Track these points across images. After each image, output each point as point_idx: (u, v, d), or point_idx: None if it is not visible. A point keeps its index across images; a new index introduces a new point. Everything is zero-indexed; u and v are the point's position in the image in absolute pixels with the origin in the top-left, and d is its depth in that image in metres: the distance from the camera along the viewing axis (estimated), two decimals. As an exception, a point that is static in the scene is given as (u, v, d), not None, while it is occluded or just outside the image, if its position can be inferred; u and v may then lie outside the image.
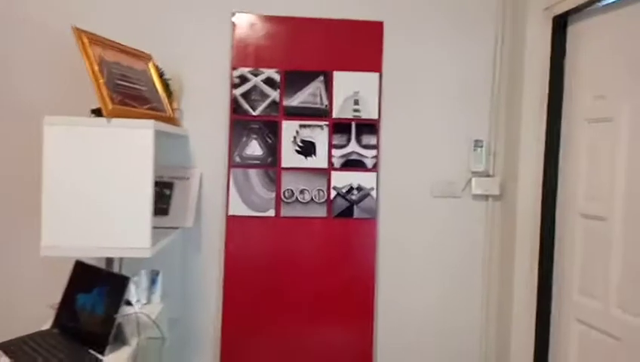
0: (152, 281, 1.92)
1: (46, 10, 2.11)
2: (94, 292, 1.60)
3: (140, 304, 1.83)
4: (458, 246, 2.29)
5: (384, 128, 2.25)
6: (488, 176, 2.28)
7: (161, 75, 2.08)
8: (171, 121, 1.98)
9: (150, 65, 1.98)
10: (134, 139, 1.60)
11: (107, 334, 1.48)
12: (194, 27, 2.19)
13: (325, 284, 2.20)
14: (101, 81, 1.58)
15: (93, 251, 1.60)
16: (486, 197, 2.28)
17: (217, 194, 2.20)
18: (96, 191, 1.59)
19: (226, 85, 2.19)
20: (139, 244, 1.61)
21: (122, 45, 1.80)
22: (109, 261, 1.83)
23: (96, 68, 1.59)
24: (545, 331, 2.05)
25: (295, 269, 2.19)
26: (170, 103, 2.08)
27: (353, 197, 2.21)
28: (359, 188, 2.21)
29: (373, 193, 2.21)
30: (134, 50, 1.88)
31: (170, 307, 2.15)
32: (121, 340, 1.54)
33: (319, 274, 2.19)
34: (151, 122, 1.61)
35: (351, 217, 2.20)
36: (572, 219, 1.92)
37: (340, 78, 2.21)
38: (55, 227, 1.58)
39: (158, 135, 2.12)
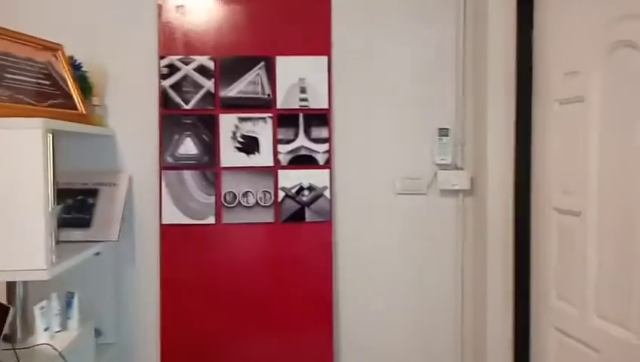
0: (68, 304, 1.65)
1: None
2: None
3: (51, 332, 1.56)
4: (427, 247, 2.04)
5: (336, 119, 2.00)
6: (457, 168, 2.03)
7: (77, 67, 1.80)
8: (84, 119, 1.71)
9: (59, 56, 1.70)
10: (21, 142, 1.33)
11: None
12: (115, 12, 1.91)
13: (276, 297, 1.94)
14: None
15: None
16: (456, 192, 2.04)
17: (149, 200, 1.93)
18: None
19: (154, 76, 1.92)
20: (33, 265, 1.35)
21: (19, 34, 1.52)
22: (10, 285, 1.56)
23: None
24: (524, 339, 1.82)
25: (241, 282, 1.93)
26: (87, 99, 1.80)
27: (304, 199, 1.95)
28: (311, 188, 1.95)
29: (327, 193, 1.96)
30: (38, 40, 1.60)
31: (104, 331, 1.89)
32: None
33: (269, 287, 1.94)
34: (39, 120, 1.34)
35: (302, 221, 1.95)
36: (547, 214, 1.68)
37: (283, 63, 1.95)
38: None
39: (72, 136, 1.85)
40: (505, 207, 1.83)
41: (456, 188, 2.00)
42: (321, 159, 1.96)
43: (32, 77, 1.53)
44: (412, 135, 2.02)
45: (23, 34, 1.54)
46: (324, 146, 1.96)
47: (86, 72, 1.85)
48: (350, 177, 2.01)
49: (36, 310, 1.52)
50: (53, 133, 1.69)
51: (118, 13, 1.91)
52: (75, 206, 1.83)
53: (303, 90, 1.95)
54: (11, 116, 1.34)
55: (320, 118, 1.96)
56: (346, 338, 2.02)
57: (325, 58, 1.96)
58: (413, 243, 2.04)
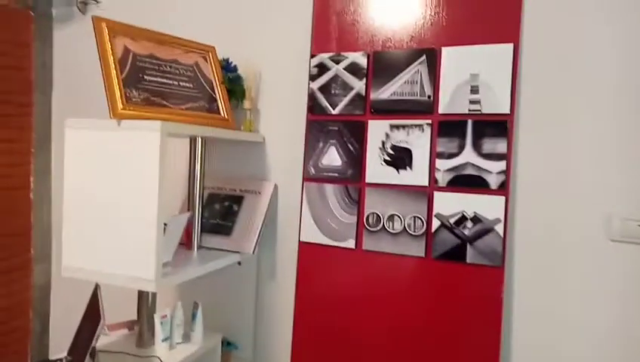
0: (193, 316, 1.60)
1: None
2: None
3: (171, 343, 1.52)
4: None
5: (520, 128, 1.46)
6: None
7: (231, 69, 1.75)
8: (226, 123, 1.63)
9: (209, 58, 1.67)
10: (139, 144, 1.30)
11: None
12: (269, 9, 1.80)
13: (413, 352, 1.53)
14: (114, 77, 1.32)
15: (104, 277, 1.36)
16: None
17: (292, 213, 1.76)
18: (106, 206, 1.34)
19: (305, 78, 1.74)
20: (143, 274, 1.30)
21: (166, 36, 1.53)
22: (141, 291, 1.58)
23: (111, 61, 1.34)
24: None
25: (376, 322, 1.59)
26: (239, 103, 1.74)
27: (466, 232, 1.48)
28: (476, 219, 1.47)
29: (500, 228, 1.44)
30: (186, 41, 1.60)
31: (241, 345, 1.80)
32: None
33: (407, 337, 1.54)
34: (158, 123, 1.28)
35: (462, 261, 1.48)
36: None
37: (450, 56, 1.52)
38: (73, 244, 1.39)
39: (224, 141, 1.81)
40: None
41: None
42: (493, 182, 1.45)
43: (173, 79, 1.51)
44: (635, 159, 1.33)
45: (169, 35, 1.54)
46: (500, 165, 1.45)
47: (240, 75, 1.77)
48: (537, 210, 1.44)
49: (157, 319, 1.49)
50: (203, 138, 1.69)
51: (272, 11, 1.79)
52: (221, 211, 1.78)
53: (474, 90, 1.48)
54: (138, 118, 1.32)
55: (496, 127, 1.46)
56: None
57: (510, 46, 1.44)
58: (633, 317, 1.34)
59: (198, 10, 1.90)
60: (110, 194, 1.33)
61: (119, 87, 1.32)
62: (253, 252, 1.67)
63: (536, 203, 1.45)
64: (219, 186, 1.83)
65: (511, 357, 1.47)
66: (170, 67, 1.52)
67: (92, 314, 1.38)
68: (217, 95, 1.65)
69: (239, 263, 1.72)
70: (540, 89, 1.43)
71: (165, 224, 1.34)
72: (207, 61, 1.66)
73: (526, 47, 1.44)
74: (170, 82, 1.50)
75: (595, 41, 1.38)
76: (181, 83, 1.53)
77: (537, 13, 1.43)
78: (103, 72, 1.33)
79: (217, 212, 1.77)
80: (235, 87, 1.75)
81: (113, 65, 1.33)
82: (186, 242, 1.67)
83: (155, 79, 1.45)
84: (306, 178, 1.71)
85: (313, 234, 1.69)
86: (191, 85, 1.57)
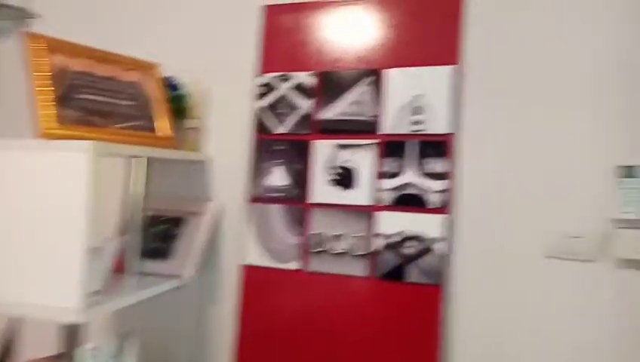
0: (122, 347, 1.50)
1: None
2: None
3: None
4: (588, 343, 1.35)
5: (462, 148, 1.49)
6: (651, 228, 1.31)
7: (174, 87, 1.71)
8: (168, 143, 1.58)
9: (151, 75, 1.62)
10: (68, 166, 1.23)
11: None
12: (215, 28, 1.79)
13: (364, 377, 1.49)
14: (44, 94, 1.25)
15: (26, 309, 1.25)
16: (647, 264, 1.32)
17: (234, 235, 1.71)
18: (30, 233, 1.25)
19: (251, 96, 1.72)
20: (68, 304, 1.21)
21: (108, 53, 1.48)
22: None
23: (40, 78, 1.27)
24: None
25: (321, 343, 1.54)
26: (183, 122, 1.70)
27: (407, 251, 1.48)
28: (418, 238, 1.48)
29: (439, 246, 1.45)
30: (127, 58, 1.55)
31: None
32: None
33: (354, 356, 1.51)
34: (88, 143, 1.21)
35: (403, 280, 1.48)
36: None
37: (394, 77, 1.55)
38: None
39: (167, 161, 1.76)
40: None
41: (648, 259, 1.29)
42: (434, 201, 1.47)
43: (113, 97, 1.45)
44: (574, 174, 1.39)
45: (109, 52, 1.49)
46: (441, 184, 1.47)
47: (184, 93, 1.74)
48: (476, 228, 1.47)
49: (86, 352, 1.38)
50: (145, 159, 1.63)
51: (219, 29, 1.78)
52: (160, 234, 1.71)
53: (417, 111, 1.51)
54: (68, 138, 1.25)
55: (438, 147, 1.48)
56: None
57: (449, 69, 1.49)
58: (568, 335, 1.37)
59: (142, 27, 1.87)
60: (36, 219, 1.24)
61: (49, 106, 1.26)
62: (193, 276, 1.61)
63: (474, 222, 1.47)
64: (160, 208, 1.76)
65: (454, 377, 1.46)
66: (110, 85, 1.47)
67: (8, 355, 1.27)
68: (160, 113, 1.60)
69: (178, 288, 1.65)
70: (482, 109, 1.48)
71: (95, 249, 1.26)
72: (149, 79, 1.62)
73: (468, 69, 1.49)
74: (109, 100, 1.44)
75: (535, 62, 1.44)
76: (120, 101, 1.48)
77: (478, 37, 1.49)
78: (31, 88, 1.26)
79: (157, 235, 1.70)
80: (179, 105, 1.71)
81: (43, 82, 1.27)
82: (121, 268, 1.58)
83: (92, 97, 1.39)
84: (251, 198, 1.67)
85: (257, 257, 1.64)
86: (132, 103, 1.52)
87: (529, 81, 1.44)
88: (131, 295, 1.40)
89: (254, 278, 1.64)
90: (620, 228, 1.32)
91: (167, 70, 1.72)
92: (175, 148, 1.62)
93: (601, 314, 1.34)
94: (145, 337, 1.60)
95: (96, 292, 1.33)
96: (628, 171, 1.31)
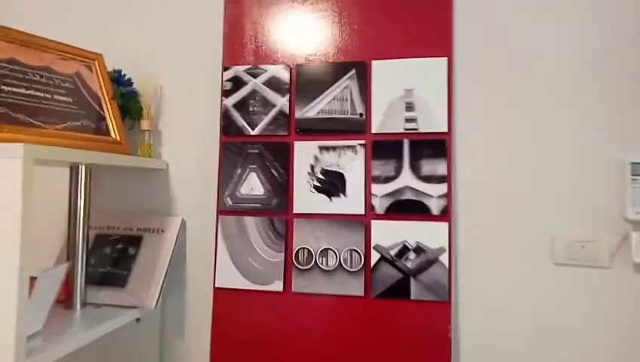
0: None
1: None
2: None
3: None
4: (603, 355, 1.26)
5: (460, 148, 1.35)
6: (665, 228, 1.23)
7: (124, 82, 1.44)
8: (118, 147, 1.32)
9: (95, 67, 1.35)
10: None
11: None
12: (173, 16, 1.54)
13: (363, 409, 1.32)
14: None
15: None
16: (661, 266, 1.24)
17: (202, 253, 1.47)
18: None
19: (216, 93, 1.49)
20: None
21: (39, 38, 1.20)
22: None
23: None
24: None
25: (314, 379, 1.35)
26: (136, 123, 1.43)
27: (409, 265, 1.32)
28: (419, 250, 1.32)
29: (445, 258, 1.30)
30: (67, 46, 1.27)
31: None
32: None
33: (353, 391, 1.32)
34: (19, 147, 0.94)
35: (406, 298, 1.31)
36: None
37: (381, 69, 1.38)
38: None
39: (117, 170, 1.49)
40: None
41: (665, 261, 1.21)
42: (435, 207, 1.32)
43: (45, 91, 1.17)
44: (584, 173, 1.28)
45: (40, 37, 1.20)
46: (441, 188, 1.32)
47: (135, 89, 1.47)
48: (480, 236, 1.33)
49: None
50: (89, 166, 1.35)
51: (176, 17, 1.52)
52: (113, 257, 1.44)
53: (410, 107, 1.35)
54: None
55: (435, 147, 1.33)
56: None
57: (444, 60, 1.34)
58: (582, 347, 1.27)
59: (84, 13, 1.57)
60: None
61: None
62: (156, 305, 1.35)
63: (478, 229, 1.33)
64: (110, 225, 1.49)
65: (463, 402, 1.32)
66: (41, 76, 1.18)
67: None
68: (106, 113, 1.33)
69: (138, 320, 1.39)
70: (479, 105, 1.34)
71: (33, 279, 0.99)
72: (92, 71, 1.34)
73: (460, 61, 1.35)
74: (41, 95, 1.16)
75: (533, 52, 1.32)
76: (56, 96, 1.20)
77: (469, 26, 1.35)
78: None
79: (108, 258, 1.43)
80: (129, 103, 1.45)
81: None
82: (65, 300, 1.30)
83: (19, 90, 1.11)
84: (222, 211, 1.44)
85: (232, 278, 1.42)
86: (70, 100, 1.24)
87: (530, 72, 1.32)
88: (81, 334, 1.14)
89: (229, 304, 1.41)
90: (635, 230, 1.23)
91: (115, 62, 1.45)
92: (127, 153, 1.35)
93: (619, 326, 1.25)
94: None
95: (36, 335, 1.06)
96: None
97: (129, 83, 1.47)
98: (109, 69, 1.41)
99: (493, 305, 1.31)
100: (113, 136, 1.32)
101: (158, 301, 1.36)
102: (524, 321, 1.29)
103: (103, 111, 1.33)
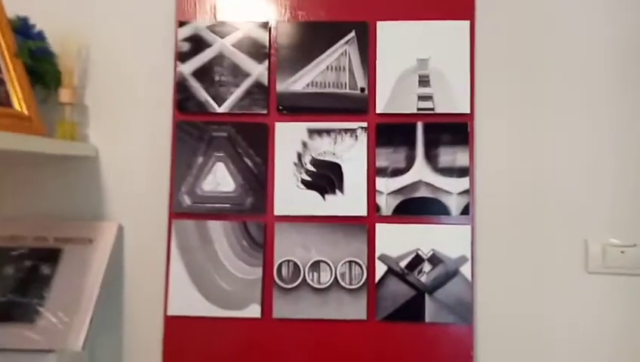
0: None
1: None
2: None
3: None
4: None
5: (486, 134, 1.09)
6: None
7: (34, 36, 1.03)
8: (28, 126, 0.91)
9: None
10: None
11: None
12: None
13: None
14: None
15: None
16: None
17: (148, 270, 1.10)
18: None
19: (168, 57, 1.11)
20: None
21: None
22: None
23: None
24: None
25: None
26: (50, 93, 1.03)
27: (423, 279, 1.05)
28: (435, 260, 1.05)
29: (467, 269, 1.04)
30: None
31: None
32: None
33: None
34: None
35: (419, 321, 1.04)
36: None
37: (389, 33, 1.09)
38: None
39: (23, 158, 1.07)
40: None
41: None
42: (455, 206, 1.05)
43: None
44: (627, 167, 1.08)
45: None
46: (462, 183, 1.06)
47: (50, 48, 1.06)
48: (505, 241, 1.09)
49: None
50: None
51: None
52: (18, 280, 1.03)
53: (424, 82, 1.08)
54: None
55: (455, 132, 1.07)
56: None
57: (466, 24, 1.08)
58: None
59: None
60: None
61: None
62: (83, 346, 0.98)
63: (503, 232, 1.10)
64: (14, 235, 1.08)
65: None
66: None
67: None
68: (5, 75, 0.92)
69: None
70: (510, 82, 1.10)
71: None
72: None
73: (483, 26, 1.10)
74: None
75: (572, 17, 1.10)
76: None
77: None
78: None
79: (10, 281, 1.02)
80: (42, 65, 1.04)
81: None
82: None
83: None
84: (176, 213, 1.08)
85: (191, 303, 1.07)
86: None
87: (566, 55, 1.10)
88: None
89: (188, 337, 1.06)
90: (684, 231, 1.05)
91: (20, 7, 1.03)
92: (39, 133, 0.95)
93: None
94: None
95: None
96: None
97: (40, 37, 1.06)
98: (10, 15, 0.99)
99: (517, 325, 1.08)
100: (17, 108, 0.91)
101: (85, 340, 0.98)
102: (560, 348, 1.07)
103: (1, 72, 0.91)
